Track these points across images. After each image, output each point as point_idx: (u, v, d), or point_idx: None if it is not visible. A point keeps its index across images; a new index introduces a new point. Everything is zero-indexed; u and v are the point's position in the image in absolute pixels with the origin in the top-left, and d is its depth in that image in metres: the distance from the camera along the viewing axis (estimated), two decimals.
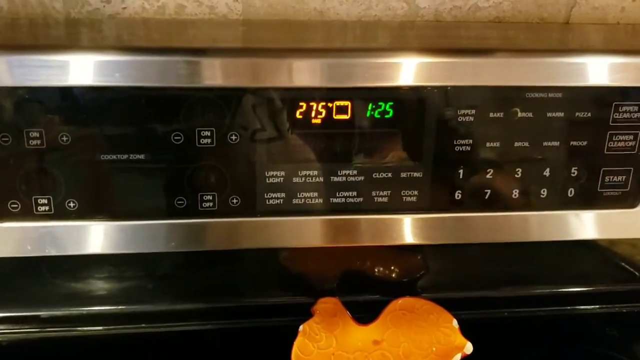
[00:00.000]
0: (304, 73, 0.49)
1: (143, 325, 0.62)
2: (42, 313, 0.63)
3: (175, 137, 0.50)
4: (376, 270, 0.68)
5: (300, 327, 0.60)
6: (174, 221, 0.52)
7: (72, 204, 0.51)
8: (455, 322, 0.61)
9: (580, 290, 0.70)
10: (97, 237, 0.52)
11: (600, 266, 0.58)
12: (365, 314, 0.62)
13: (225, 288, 0.64)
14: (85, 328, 0.63)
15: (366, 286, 0.67)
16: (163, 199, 0.52)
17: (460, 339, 0.60)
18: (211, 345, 0.63)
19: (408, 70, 0.50)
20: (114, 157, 0.50)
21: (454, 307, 0.62)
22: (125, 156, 0.50)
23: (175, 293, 0.63)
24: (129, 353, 0.63)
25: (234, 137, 0.50)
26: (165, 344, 0.63)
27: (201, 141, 0.50)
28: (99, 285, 0.65)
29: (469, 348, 0.60)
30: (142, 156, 0.50)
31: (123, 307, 0.64)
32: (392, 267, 0.69)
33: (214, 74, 0.49)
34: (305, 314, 0.61)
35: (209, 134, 0.50)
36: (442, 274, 0.71)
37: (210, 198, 0.52)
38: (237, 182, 0.52)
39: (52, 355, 0.62)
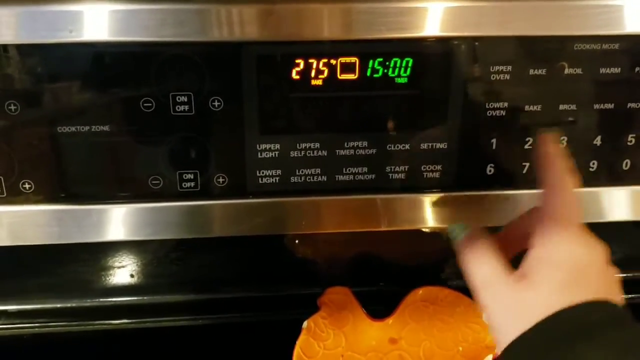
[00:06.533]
0: (301, 22, 0.43)
1: (124, 320, 0.56)
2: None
3: (145, 104, 0.44)
4: (393, 255, 0.62)
5: (304, 323, 0.56)
6: (148, 205, 0.47)
7: (27, 186, 0.46)
8: (486, 317, 0.54)
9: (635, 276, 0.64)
10: (54, 223, 0.47)
11: None
12: (380, 306, 0.58)
13: (215, 278, 0.58)
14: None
15: (381, 274, 0.61)
16: (134, 179, 0.46)
17: (491, 337, 0.56)
18: (198, 343, 0.57)
19: (429, 17, 0.44)
20: (72, 129, 0.44)
21: None
22: (86, 128, 0.44)
23: (158, 284, 0.57)
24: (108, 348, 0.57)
25: (216, 104, 0.45)
26: (147, 340, 0.58)
27: (177, 108, 0.45)
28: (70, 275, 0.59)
29: None
30: (105, 128, 0.44)
31: (104, 299, 0.58)
32: (412, 252, 0.63)
33: (189, 24, 0.42)
34: (310, 306, 0.56)
35: (185, 100, 0.44)
36: None
37: (192, 177, 0.47)
38: (223, 158, 0.47)
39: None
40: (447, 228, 0.47)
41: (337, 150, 0.47)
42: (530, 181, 0.50)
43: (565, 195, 0.41)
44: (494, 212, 0.51)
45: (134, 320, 0.58)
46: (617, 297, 0.40)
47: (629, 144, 0.50)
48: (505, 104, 0.47)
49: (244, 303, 0.58)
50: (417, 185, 0.49)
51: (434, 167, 0.49)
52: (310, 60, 0.44)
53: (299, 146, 0.47)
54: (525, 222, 0.45)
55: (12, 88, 0.42)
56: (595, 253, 0.40)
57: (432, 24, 0.44)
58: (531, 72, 0.47)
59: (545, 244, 0.40)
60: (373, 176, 0.48)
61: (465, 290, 0.57)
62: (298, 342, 0.54)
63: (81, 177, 0.46)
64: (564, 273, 0.38)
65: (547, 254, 0.39)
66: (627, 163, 0.50)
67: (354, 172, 0.48)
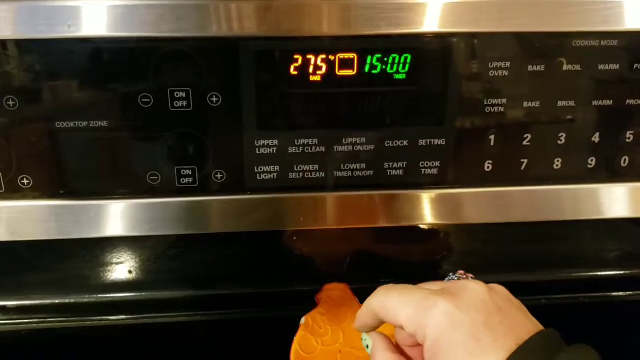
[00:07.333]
0: (300, 17, 0.43)
1: (122, 316, 0.56)
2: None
3: (143, 100, 0.44)
4: (391, 251, 0.61)
5: (302, 319, 0.54)
6: (146, 200, 0.47)
7: (25, 181, 0.46)
8: None
9: (633, 273, 0.62)
10: (52, 218, 0.47)
11: None
12: None
13: (213, 274, 0.58)
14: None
15: (379, 270, 0.61)
16: (131, 174, 0.46)
17: None
18: (196, 339, 0.57)
19: (428, 13, 0.45)
20: (70, 124, 0.44)
21: None
22: (84, 123, 0.44)
23: (156, 280, 0.57)
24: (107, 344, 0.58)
25: (214, 99, 0.45)
26: (145, 336, 0.58)
27: (175, 104, 0.45)
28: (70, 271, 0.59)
29: None
30: (103, 123, 0.45)
31: (102, 295, 0.57)
32: (410, 248, 0.62)
33: (188, 20, 0.42)
34: (308, 302, 0.55)
35: (183, 95, 0.44)
36: (467, 255, 0.64)
37: (190, 172, 0.47)
38: (221, 154, 0.47)
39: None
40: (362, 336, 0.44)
41: (335, 146, 0.47)
42: (528, 177, 0.50)
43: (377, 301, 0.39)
44: (492, 210, 0.51)
45: (131, 316, 0.58)
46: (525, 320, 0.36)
47: (627, 140, 0.49)
48: (504, 100, 0.47)
49: (241, 299, 0.57)
50: (415, 181, 0.49)
51: (432, 163, 0.49)
52: (309, 56, 0.44)
53: (297, 142, 0.47)
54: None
55: (11, 83, 0.42)
56: (466, 295, 0.36)
57: (430, 19, 0.44)
58: (529, 68, 0.46)
59: (425, 332, 0.36)
60: (371, 172, 0.48)
61: None
62: (296, 338, 0.53)
63: (79, 172, 0.46)
64: (467, 327, 0.34)
65: (433, 335, 0.35)
66: (625, 159, 0.50)
67: (352, 168, 0.48)
